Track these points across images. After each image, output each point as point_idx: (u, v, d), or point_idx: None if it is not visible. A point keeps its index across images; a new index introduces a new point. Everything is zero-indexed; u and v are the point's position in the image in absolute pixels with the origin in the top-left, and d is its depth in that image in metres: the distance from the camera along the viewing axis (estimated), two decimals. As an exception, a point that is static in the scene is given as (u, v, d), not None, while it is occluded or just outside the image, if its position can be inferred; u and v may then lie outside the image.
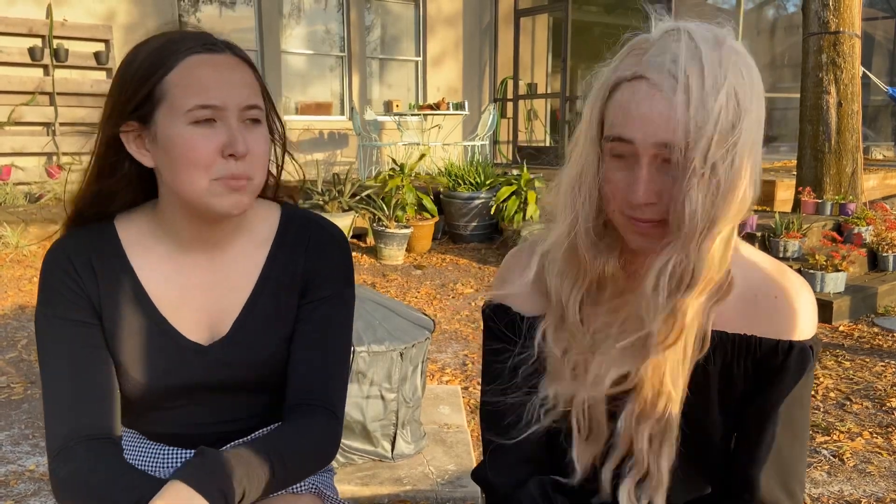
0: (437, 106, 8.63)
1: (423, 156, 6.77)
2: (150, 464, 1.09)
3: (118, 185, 1.01)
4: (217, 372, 1.04)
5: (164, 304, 1.04)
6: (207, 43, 0.95)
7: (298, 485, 1.07)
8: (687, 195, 0.77)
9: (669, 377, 0.88)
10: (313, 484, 1.09)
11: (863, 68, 5.96)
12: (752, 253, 0.95)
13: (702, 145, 0.76)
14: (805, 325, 0.91)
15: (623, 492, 0.92)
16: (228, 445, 1.00)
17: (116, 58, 7.38)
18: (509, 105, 10.04)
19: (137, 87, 0.93)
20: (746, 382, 0.92)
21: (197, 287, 1.05)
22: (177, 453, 1.09)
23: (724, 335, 0.91)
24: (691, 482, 0.97)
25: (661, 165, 0.80)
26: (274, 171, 1.09)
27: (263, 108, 0.99)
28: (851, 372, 3.54)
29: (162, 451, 1.09)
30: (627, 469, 0.93)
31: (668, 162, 0.79)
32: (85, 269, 1.01)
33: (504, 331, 1.01)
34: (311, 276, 1.08)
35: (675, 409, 0.89)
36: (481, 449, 2.60)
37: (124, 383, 1.02)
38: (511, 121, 10.03)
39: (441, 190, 6.58)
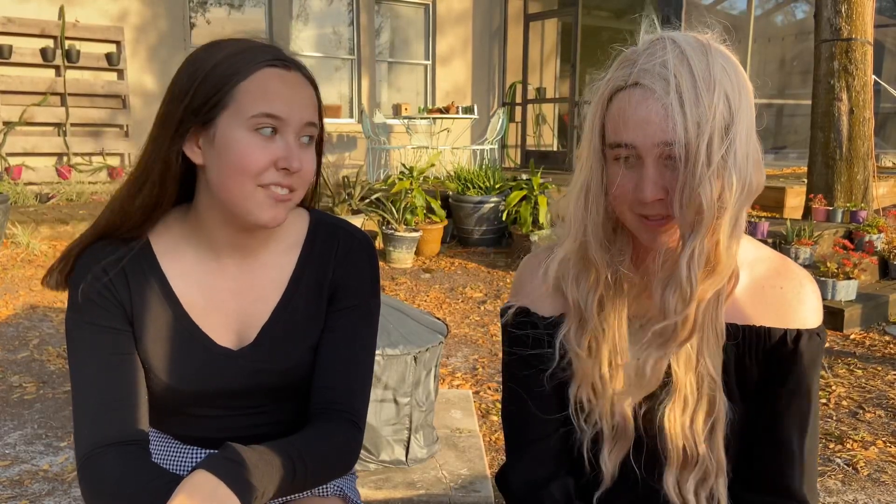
0: (446, 110, 8.64)
1: (432, 164, 6.77)
2: (178, 464, 1.09)
3: (176, 184, 1.00)
4: (246, 377, 1.05)
5: (194, 309, 1.04)
6: (281, 58, 0.97)
7: (324, 487, 1.08)
8: (701, 187, 0.82)
9: (710, 364, 0.92)
10: (338, 487, 1.10)
11: (874, 76, 5.93)
12: (757, 247, 1.00)
13: (704, 141, 0.81)
14: (811, 314, 0.95)
15: (689, 491, 0.95)
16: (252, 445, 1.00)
17: (128, 59, 7.42)
18: (518, 109, 10.04)
19: (212, 90, 0.94)
20: (760, 372, 0.96)
21: (227, 292, 1.06)
22: (204, 454, 1.09)
23: (734, 327, 0.95)
24: None
25: (665, 163, 0.85)
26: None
27: (318, 128, 1.01)
28: (864, 380, 3.52)
29: (189, 452, 1.10)
30: (675, 461, 0.95)
31: (671, 158, 0.84)
32: (117, 274, 1.01)
33: (524, 334, 1.02)
34: (339, 285, 1.09)
35: (720, 393, 0.93)
36: (498, 453, 2.58)
37: (154, 387, 1.03)
38: (519, 125, 10.04)
39: (450, 194, 6.58)
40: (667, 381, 0.94)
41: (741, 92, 0.84)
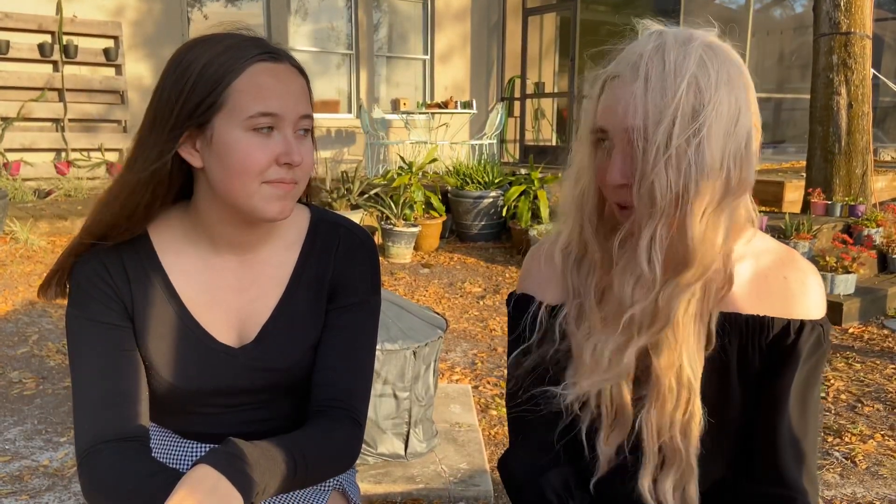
0: (444, 104, 8.63)
1: (434, 160, 6.76)
2: (178, 459, 1.10)
3: (165, 189, 0.98)
4: (246, 374, 1.05)
5: (195, 307, 1.04)
6: (269, 51, 0.96)
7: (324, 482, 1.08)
8: (656, 173, 0.82)
9: (689, 367, 0.91)
10: (338, 482, 1.10)
11: (873, 70, 5.93)
12: (764, 239, 0.99)
13: (663, 128, 0.81)
14: (815, 305, 0.95)
15: (667, 486, 0.95)
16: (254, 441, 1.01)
17: (126, 54, 7.40)
18: (516, 104, 10.03)
19: (205, 92, 0.92)
20: (762, 363, 0.95)
21: (228, 289, 1.05)
22: (205, 449, 1.09)
23: (738, 317, 0.94)
24: (712, 468, 0.98)
25: (632, 150, 0.85)
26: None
27: (312, 118, 1.00)
28: (862, 374, 3.53)
29: (190, 447, 1.10)
30: (652, 461, 0.95)
31: (633, 145, 0.84)
32: (117, 271, 1.01)
33: (529, 321, 1.03)
34: (339, 282, 1.09)
35: (697, 397, 0.92)
36: (497, 447, 2.58)
37: (155, 384, 1.03)
38: (518, 120, 10.03)
39: (449, 189, 6.57)
40: (649, 376, 0.94)
41: (720, 84, 0.82)
